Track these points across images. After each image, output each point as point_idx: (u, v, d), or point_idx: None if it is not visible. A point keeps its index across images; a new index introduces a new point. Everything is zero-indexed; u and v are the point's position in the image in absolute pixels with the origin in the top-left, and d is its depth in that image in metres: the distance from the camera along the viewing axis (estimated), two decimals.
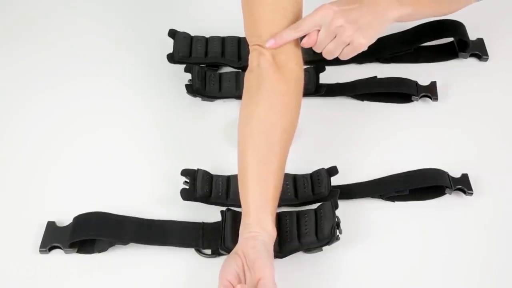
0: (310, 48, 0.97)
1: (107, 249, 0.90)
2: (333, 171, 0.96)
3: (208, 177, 0.96)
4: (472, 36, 1.18)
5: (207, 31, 1.19)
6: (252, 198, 0.85)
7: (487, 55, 1.18)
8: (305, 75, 1.09)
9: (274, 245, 0.85)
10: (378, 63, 1.17)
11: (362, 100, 1.12)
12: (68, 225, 0.92)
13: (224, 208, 0.92)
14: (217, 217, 0.91)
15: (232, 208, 0.92)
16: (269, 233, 0.83)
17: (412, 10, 0.96)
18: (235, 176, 0.90)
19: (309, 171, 0.97)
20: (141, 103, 1.12)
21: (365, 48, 0.95)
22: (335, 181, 0.96)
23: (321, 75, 1.10)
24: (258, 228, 0.83)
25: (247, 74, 0.93)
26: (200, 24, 1.23)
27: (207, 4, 1.30)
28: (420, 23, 1.16)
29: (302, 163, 0.98)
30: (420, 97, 1.10)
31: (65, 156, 1.03)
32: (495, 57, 1.18)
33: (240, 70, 1.14)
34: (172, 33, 1.16)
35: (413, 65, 1.17)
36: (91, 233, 0.90)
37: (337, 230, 0.86)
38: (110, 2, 1.32)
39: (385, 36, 1.15)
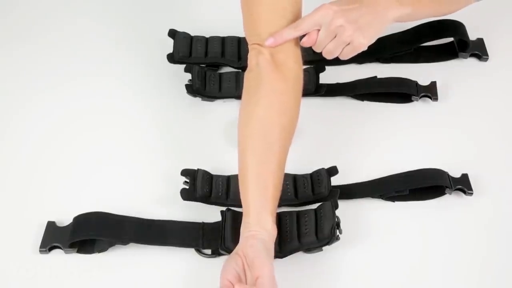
0: (310, 48, 0.97)
1: (107, 249, 0.90)
2: (333, 171, 0.96)
3: (208, 177, 0.96)
4: (472, 36, 1.18)
5: (207, 31, 1.19)
6: (251, 197, 0.85)
7: (487, 55, 1.18)
8: (305, 75, 1.10)
9: (274, 245, 0.85)
10: (378, 63, 1.17)
11: (362, 100, 1.12)
12: (68, 225, 0.92)
13: (224, 208, 0.92)
14: (217, 217, 0.91)
15: (232, 208, 0.92)
16: (269, 232, 0.84)
17: (412, 10, 0.96)
18: (235, 176, 0.90)
19: (309, 171, 0.97)
20: (141, 103, 1.12)
21: (365, 48, 0.95)
22: (335, 181, 0.96)
23: (321, 75, 1.10)
24: (258, 227, 0.83)
25: (246, 74, 0.94)
26: (200, 24, 1.23)
27: (207, 4, 1.30)
28: (420, 23, 1.16)
29: (302, 163, 0.98)
30: (420, 97, 1.10)
31: (65, 156, 1.03)
32: (495, 57, 1.18)
33: (240, 70, 1.14)
34: (172, 33, 1.16)
35: (413, 65, 1.17)
36: (91, 233, 0.90)
37: (337, 230, 0.86)
38: (110, 2, 1.32)
39: (385, 36, 1.15)
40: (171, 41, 1.15)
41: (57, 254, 0.90)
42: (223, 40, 1.18)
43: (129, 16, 1.29)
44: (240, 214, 0.87)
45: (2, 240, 0.92)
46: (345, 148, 1.04)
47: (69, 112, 1.10)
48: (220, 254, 0.89)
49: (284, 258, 0.87)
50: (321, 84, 1.10)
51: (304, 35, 0.94)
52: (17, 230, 0.93)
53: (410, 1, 0.96)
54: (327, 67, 1.10)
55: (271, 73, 0.91)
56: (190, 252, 0.90)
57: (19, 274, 0.88)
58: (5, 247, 0.91)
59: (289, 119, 0.90)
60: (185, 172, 0.96)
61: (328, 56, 0.97)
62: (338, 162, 0.97)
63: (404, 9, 0.95)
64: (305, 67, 1.11)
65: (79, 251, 0.90)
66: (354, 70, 1.15)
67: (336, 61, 1.00)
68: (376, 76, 1.13)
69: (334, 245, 0.87)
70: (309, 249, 0.88)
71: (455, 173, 0.98)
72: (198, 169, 0.96)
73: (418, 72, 1.14)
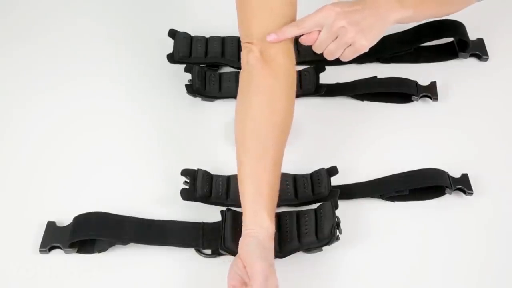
0: (311, 48, 0.97)
1: (107, 249, 0.90)
2: (333, 171, 0.96)
3: (208, 177, 0.96)
4: (472, 36, 1.18)
5: (207, 31, 1.19)
6: (247, 196, 0.85)
7: (487, 55, 1.18)
8: (305, 75, 1.10)
9: (274, 245, 0.85)
10: (378, 63, 1.17)
11: (362, 100, 1.12)
12: (68, 225, 0.92)
13: (224, 208, 0.91)
14: (217, 217, 0.91)
15: (232, 208, 0.92)
16: (266, 229, 0.83)
17: (413, 13, 0.96)
18: (235, 176, 0.90)
19: (309, 171, 0.97)
20: (141, 103, 1.12)
21: (367, 50, 0.96)
22: (335, 181, 0.96)
23: (321, 75, 1.10)
24: (253, 225, 0.83)
25: (240, 74, 0.94)
26: (200, 24, 1.23)
27: (207, 4, 1.30)
28: (420, 23, 1.16)
29: (302, 163, 0.99)
30: (420, 97, 1.10)
31: (65, 156, 1.03)
32: (495, 57, 1.18)
33: (240, 70, 1.13)
34: (172, 33, 1.16)
35: (413, 65, 1.17)
36: (91, 233, 0.90)
37: (337, 230, 0.86)
38: (110, 2, 1.32)
39: (385, 36, 1.15)
40: (171, 41, 1.15)
41: (57, 254, 0.90)
42: (223, 40, 1.18)
43: (129, 16, 1.29)
44: (240, 214, 0.87)
45: (2, 240, 0.92)
46: (345, 148, 1.04)
47: (69, 112, 1.10)
48: (220, 254, 0.89)
49: (284, 258, 0.87)
50: (321, 84, 1.10)
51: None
52: (17, 230, 0.93)
53: (411, 3, 0.96)
54: (327, 67, 1.10)
55: (260, 70, 0.91)
56: (190, 252, 0.90)
57: (19, 274, 0.88)
58: (5, 247, 0.91)
59: (282, 115, 0.90)
60: (185, 172, 0.96)
61: (329, 57, 0.97)
62: (338, 162, 0.97)
63: (406, 12, 0.95)
64: (305, 67, 1.12)
65: (79, 251, 0.90)
66: (354, 70, 1.15)
67: (336, 62, 1.00)
68: (376, 76, 1.13)
69: (334, 245, 0.87)
70: (309, 249, 0.88)
71: (455, 173, 0.98)
72: (198, 169, 0.96)
73: (418, 72, 1.14)
